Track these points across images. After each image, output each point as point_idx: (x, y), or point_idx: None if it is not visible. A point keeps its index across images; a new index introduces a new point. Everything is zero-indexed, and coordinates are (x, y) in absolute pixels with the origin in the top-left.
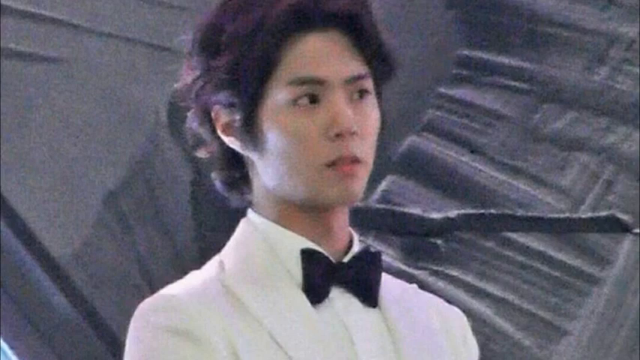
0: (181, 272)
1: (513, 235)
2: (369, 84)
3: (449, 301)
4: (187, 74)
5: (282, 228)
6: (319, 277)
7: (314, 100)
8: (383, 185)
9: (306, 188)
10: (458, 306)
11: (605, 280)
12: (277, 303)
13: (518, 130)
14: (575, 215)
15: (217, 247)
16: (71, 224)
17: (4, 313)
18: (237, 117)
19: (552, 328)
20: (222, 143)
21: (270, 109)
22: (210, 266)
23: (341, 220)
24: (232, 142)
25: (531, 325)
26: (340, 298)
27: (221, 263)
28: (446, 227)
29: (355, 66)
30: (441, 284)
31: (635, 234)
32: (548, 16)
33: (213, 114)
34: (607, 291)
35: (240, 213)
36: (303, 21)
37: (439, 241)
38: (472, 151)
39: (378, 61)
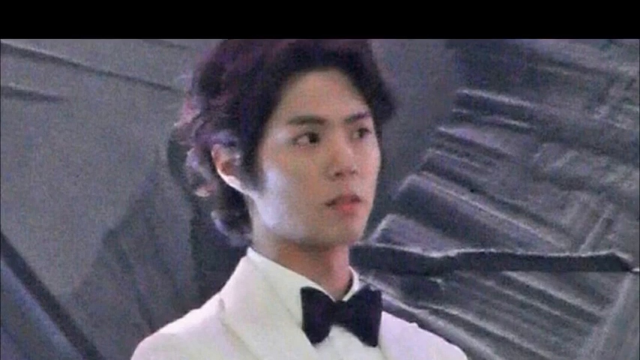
0: (181, 311)
1: (513, 274)
2: (369, 123)
3: (449, 340)
4: (187, 113)
5: (282, 267)
6: (319, 316)
7: (314, 139)
8: (383, 224)
9: (306, 227)
10: (458, 345)
11: (605, 319)
12: (277, 342)
13: (518, 169)
14: (575, 254)
15: (217, 286)
16: (71, 263)
17: (4, 352)
18: (237, 156)
19: None
20: (222, 182)
21: (270, 148)
22: (210, 305)
23: (341, 259)
24: (232, 181)
25: None
26: (340, 337)
27: (221, 302)
28: (446, 266)
29: (355, 105)
30: (441, 323)
31: (635, 273)
32: (548, 55)
33: (213, 153)
34: (607, 330)
35: (240, 252)
36: (304, 60)
37: (439, 280)
38: (472, 190)
39: (378, 100)
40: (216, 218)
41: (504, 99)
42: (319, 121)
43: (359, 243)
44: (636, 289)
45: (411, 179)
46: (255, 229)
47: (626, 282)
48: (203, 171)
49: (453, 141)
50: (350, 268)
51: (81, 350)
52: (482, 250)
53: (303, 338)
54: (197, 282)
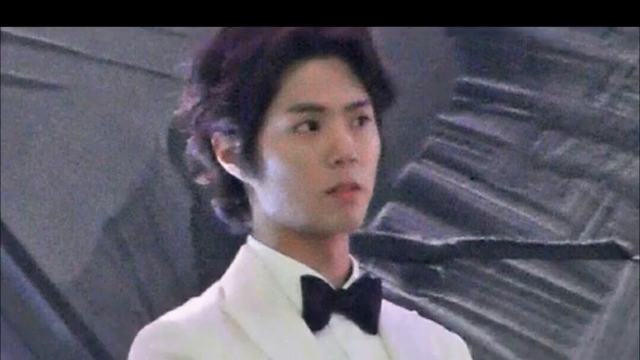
0: (181, 299)
1: (513, 262)
2: (369, 111)
3: (449, 328)
4: (187, 101)
5: (282, 255)
6: (319, 304)
7: (314, 127)
8: (383, 212)
9: (306, 215)
10: (458, 333)
11: (605, 307)
12: (277, 330)
13: (518, 156)
14: (575, 242)
15: (217, 274)
16: (71, 251)
17: (4, 340)
18: (237, 144)
19: (552, 355)
20: (222, 170)
21: (270, 136)
22: (210, 293)
23: (341, 246)
24: (232, 169)
25: (531, 351)
26: (340, 325)
27: (221, 290)
28: (446, 254)
29: (355, 93)
30: (441, 311)
31: (635, 261)
32: (548, 43)
33: (213, 141)
34: (607, 318)
35: (240, 240)
36: (303, 48)
37: (439, 268)
38: (472, 178)
39: (378, 87)
40: (216, 206)
41: (504, 87)
42: (319, 108)
43: (359, 231)
44: (636, 277)
45: (411, 167)
46: (255, 217)
47: (626, 269)
48: (203, 159)
49: (453, 129)
50: (350, 256)
51: (81, 338)
52: (482, 237)
53: (303, 326)
54: (197, 270)
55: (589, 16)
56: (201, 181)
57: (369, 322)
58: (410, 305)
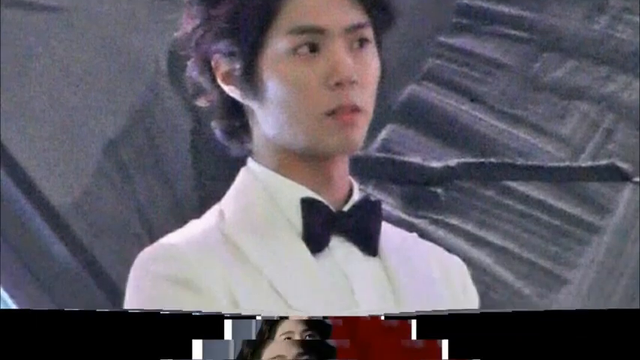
0: (181, 221)
1: (513, 184)
2: (369, 33)
3: (449, 250)
4: (187, 23)
5: (282, 177)
6: (319, 226)
7: (314, 49)
8: (383, 134)
9: (306, 137)
10: (458, 255)
11: (605, 229)
12: (277, 252)
13: (518, 78)
14: (575, 164)
15: (217, 196)
16: (71, 173)
17: (4, 262)
18: (237, 66)
19: (552, 277)
20: (222, 92)
21: (270, 58)
22: (210, 215)
23: (341, 168)
24: (232, 91)
25: (531, 273)
26: (340, 247)
27: (221, 212)
28: (446, 176)
29: (355, 15)
30: (440, 233)
31: (635, 182)
32: None
33: (213, 63)
34: (607, 239)
35: (240, 162)
36: None
37: (439, 190)
38: (472, 100)
39: (378, 9)
40: (216, 128)
41: (504, 9)
42: (319, 30)
43: (359, 153)
44: (636, 199)
45: (411, 89)
46: (255, 139)
47: (626, 191)
48: (203, 81)
49: (453, 51)
50: (350, 178)
51: (80, 260)
52: (482, 159)
53: (302, 248)
54: (197, 192)
55: None
56: (201, 103)
57: (368, 244)
58: (410, 227)
